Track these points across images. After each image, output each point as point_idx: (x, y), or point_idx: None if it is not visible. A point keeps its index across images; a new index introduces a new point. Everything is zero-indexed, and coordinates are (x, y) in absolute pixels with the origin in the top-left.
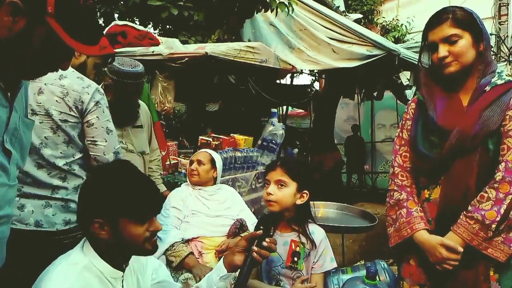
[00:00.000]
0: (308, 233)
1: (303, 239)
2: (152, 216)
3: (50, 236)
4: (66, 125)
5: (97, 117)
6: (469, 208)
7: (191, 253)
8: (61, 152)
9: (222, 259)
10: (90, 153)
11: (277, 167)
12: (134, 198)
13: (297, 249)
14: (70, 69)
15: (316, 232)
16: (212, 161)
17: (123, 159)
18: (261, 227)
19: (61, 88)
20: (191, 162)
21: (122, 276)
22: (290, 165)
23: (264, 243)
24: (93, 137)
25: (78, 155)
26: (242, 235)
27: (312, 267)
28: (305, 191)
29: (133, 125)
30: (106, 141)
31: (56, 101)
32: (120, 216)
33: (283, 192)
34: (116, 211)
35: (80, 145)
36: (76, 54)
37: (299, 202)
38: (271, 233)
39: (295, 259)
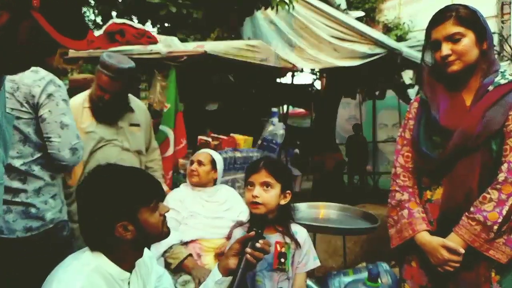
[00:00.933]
0: (292, 233)
1: (287, 240)
2: (158, 196)
3: (10, 244)
4: (20, 122)
5: (49, 111)
6: (471, 209)
7: (190, 255)
8: (17, 152)
9: (216, 264)
10: (48, 151)
11: (261, 169)
12: (143, 185)
13: (283, 250)
14: None
15: (299, 231)
16: (213, 162)
17: (101, 164)
18: (254, 228)
19: (12, 83)
20: (191, 162)
21: (129, 278)
22: (274, 166)
23: (258, 244)
24: (47, 133)
25: (37, 154)
26: None
27: (296, 267)
28: (288, 191)
29: (130, 123)
30: (60, 137)
31: (7, 97)
32: (139, 207)
33: (269, 194)
34: (134, 205)
35: (39, 144)
36: None
37: (283, 202)
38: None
39: (282, 260)
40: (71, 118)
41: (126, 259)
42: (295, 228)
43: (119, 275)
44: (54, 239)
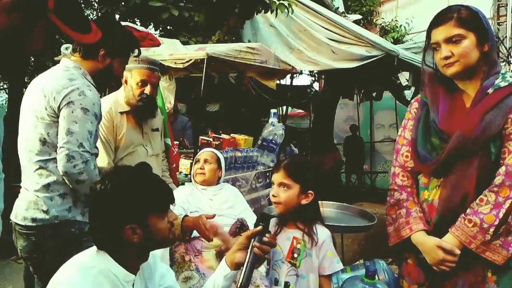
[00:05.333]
0: (312, 232)
1: (306, 238)
2: (170, 205)
3: (24, 229)
4: (42, 123)
5: (63, 117)
6: (468, 210)
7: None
8: (38, 150)
9: (224, 258)
10: None
11: (280, 169)
12: (155, 191)
13: (298, 245)
14: (71, 72)
15: (320, 232)
16: (218, 161)
17: (120, 165)
18: (261, 223)
19: (44, 86)
20: (197, 161)
21: (133, 280)
22: (292, 167)
23: (265, 238)
24: (59, 138)
25: (55, 155)
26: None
27: (319, 269)
28: (310, 191)
29: (152, 128)
30: (62, 142)
31: (38, 98)
32: (150, 213)
33: (287, 194)
34: (145, 211)
35: (56, 146)
36: (100, 57)
37: (304, 202)
38: (278, 230)
39: (295, 255)
40: (81, 127)
41: (132, 261)
42: (318, 229)
43: (124, 277)
44: (61, 234)
